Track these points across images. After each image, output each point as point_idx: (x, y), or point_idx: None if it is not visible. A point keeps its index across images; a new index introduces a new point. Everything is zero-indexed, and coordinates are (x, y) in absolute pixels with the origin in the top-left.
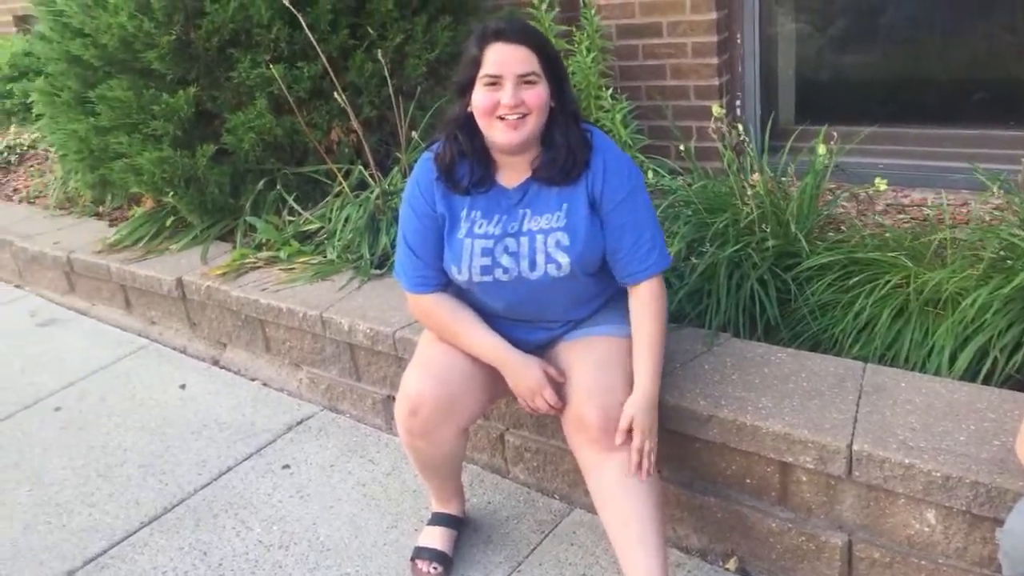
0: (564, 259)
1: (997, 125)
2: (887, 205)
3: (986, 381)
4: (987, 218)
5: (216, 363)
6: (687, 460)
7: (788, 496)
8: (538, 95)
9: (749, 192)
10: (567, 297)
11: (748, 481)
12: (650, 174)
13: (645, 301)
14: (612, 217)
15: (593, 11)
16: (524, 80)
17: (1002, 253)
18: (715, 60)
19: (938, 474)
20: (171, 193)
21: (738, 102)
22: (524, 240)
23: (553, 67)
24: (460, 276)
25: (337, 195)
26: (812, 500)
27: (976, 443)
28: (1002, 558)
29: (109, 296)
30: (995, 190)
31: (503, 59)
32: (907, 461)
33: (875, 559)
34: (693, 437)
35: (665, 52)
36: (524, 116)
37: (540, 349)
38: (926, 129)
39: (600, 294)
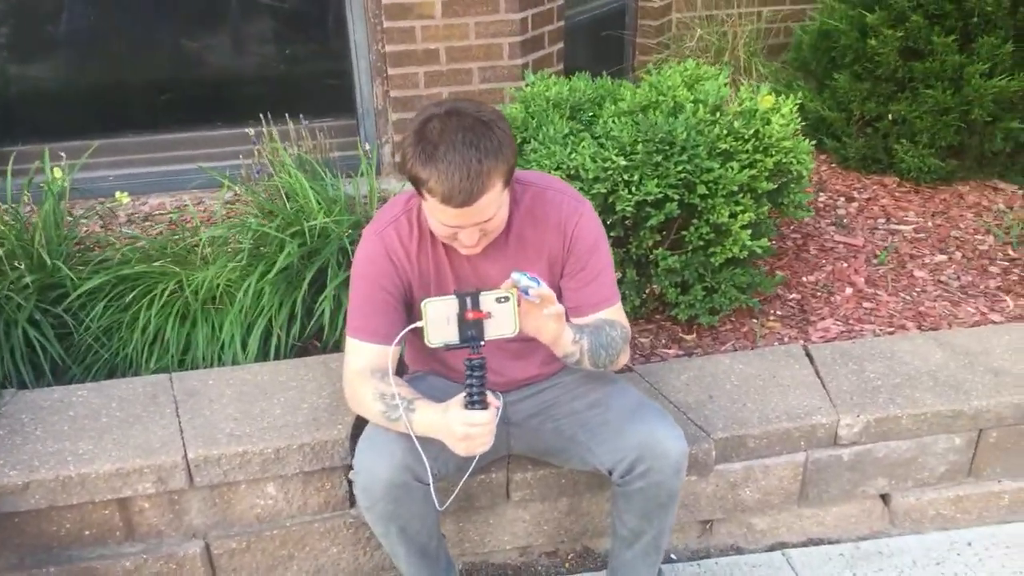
0: None
1: (211, 126)
2: (129, 216)
3: (277, 356)
4: (224, 212)
5: None
6: (10, 540)
7: (134, 529)
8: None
9: None
10: None
11: (88, 533)
12: None
13: None
14: None
15: None
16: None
17: (255, 243)
18: None
19: (270, 450)
20: None
21: None
22: None
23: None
24: None
25: None
26: (160, 522)
27: (291, 412)
28: (359, 493)
29: None
30: (229, 184)
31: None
32: (240, 450)
33: (233, 549)
34: (12, 513)
35: None
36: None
37: None
38: (150, 136)
39: None
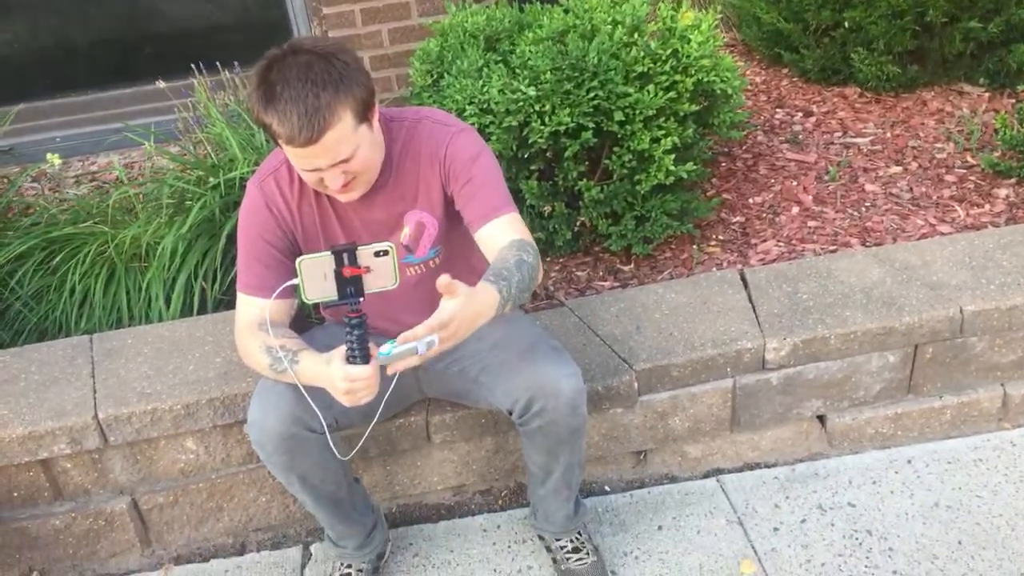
0: None
1: (148, 81)
2: (78, 176)
3: (203, 311)
4: (172, 166)
5: None
6: None
7: (61, 489)
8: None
9: None
10: None
11: (16, 494)
12: None
13: None
14: None
15: None
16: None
17: (176, 199)
18: None
19: (179, 406)
20: None
21: None
22: None
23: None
24: None
25: None
26: (85, 481)
27: (203, 367)
28: (255, 447)
29: None
30: (148, 144)
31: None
32: (150, 407)
33: (160, 503)
34: None
35: None
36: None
37: None
38: (92, 95)
39: None
